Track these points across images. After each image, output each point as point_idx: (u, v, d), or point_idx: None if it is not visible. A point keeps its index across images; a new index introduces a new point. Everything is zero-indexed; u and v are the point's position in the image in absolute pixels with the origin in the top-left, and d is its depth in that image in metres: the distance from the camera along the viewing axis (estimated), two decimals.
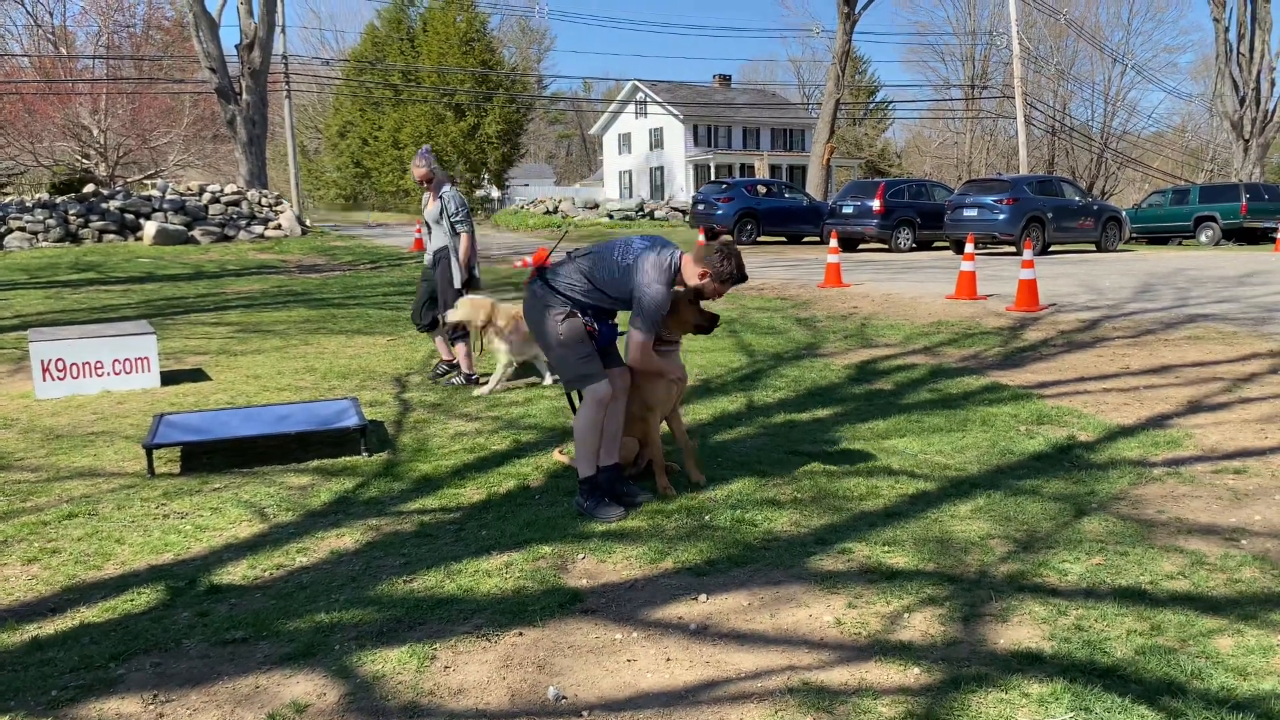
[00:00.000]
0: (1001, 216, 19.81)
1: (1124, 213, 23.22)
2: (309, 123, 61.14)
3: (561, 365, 4.49)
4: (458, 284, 7.22)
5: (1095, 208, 21.97)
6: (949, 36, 62.73)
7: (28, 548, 4.13)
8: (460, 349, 7.39)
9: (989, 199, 20.15)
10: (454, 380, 7.40)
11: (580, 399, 4.50)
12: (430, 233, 7.38)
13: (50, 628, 3.36)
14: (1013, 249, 20.17)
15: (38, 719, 2.75)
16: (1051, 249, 21.00)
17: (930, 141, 64.15)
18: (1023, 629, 3.22)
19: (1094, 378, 7.33)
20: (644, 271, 4.26)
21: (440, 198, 7.24)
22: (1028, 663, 2.98)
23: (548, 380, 7.27)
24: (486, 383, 7.15)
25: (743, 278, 4.43)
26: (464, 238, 7.23)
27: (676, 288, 4.41)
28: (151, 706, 2.82)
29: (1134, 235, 25.62)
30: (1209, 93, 49.68)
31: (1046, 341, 8.96)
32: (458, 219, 7.23)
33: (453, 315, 6.96)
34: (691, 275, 4.35)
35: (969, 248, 12.76)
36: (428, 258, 7.48)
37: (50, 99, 36.14)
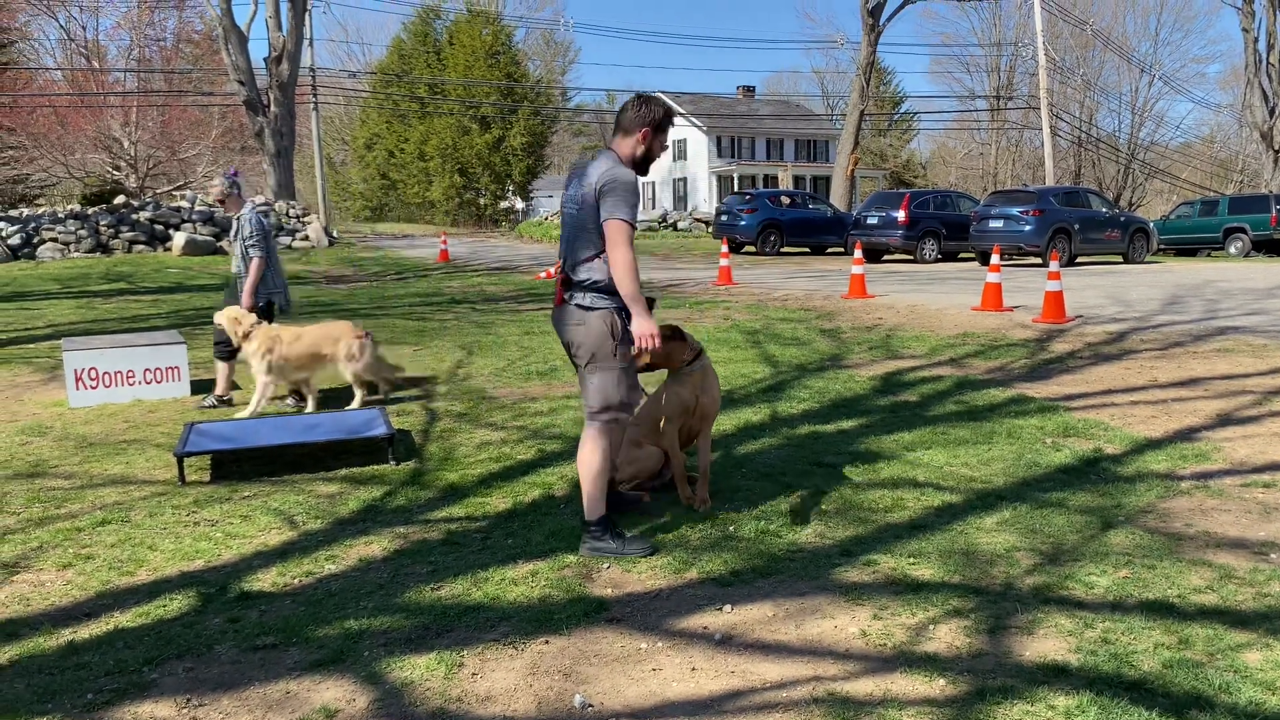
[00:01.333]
0: (1028, 228, 19.72)
1: (1151, 224, 23.06)
2: (336, 135, 61.71)
3: (605, 388, 4.02)
4: (245, 308, 6.94)
5: (1122, 219, 21.83)
6: (974, 47, 62.48)
7: (63, 554, 4.20)
8: (223, 368, 7.22)
9: (1015, 210, 20.06)
10: (204, 403, 7.21)
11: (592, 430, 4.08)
12: (232, 254, 7.28)
13: (85, 632, 3.42)
14: (1039, 260, 20.06)
15: None
16: (1078, 260, 20.87)
17: (955, 152, 63.94)
18: (1048, 641, 3.21)
19: (1121, 390, 7.28)
20: (601, 167, 3.94)
21: (237, 219, 7.06)
22: (1053, 675, 2.97)
23: (310, 406, 6.95)
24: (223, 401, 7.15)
25: (669, 116, 4.10)
26: (254, 262, 6.96)
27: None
28: (184, 710, 2.87)
29: (1162, 247, 25.45)
30: (1238, 103, 49.22)
31: (1073, 354, 8.91)
32: (250, 242, 6.97)
33: (217, 316, 6.92)
34: (629, 148, 4.03)
35: (995, 259, 12.72)
36: (231, 281, 7.38)
37: (82, 112, 36.74)
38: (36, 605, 3.67)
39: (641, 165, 4.09)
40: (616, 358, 4.00)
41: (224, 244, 7.16)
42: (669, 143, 4.20)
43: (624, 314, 3.98)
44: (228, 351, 7.09)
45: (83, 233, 22.72)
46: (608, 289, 3.95)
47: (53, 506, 4.87)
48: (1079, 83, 53.78)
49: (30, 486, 5.23)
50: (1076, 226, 20.21)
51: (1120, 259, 21.81)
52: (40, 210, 25.06)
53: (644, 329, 3.88)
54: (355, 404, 6.91)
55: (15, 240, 21.87)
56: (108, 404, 7.24)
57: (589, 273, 3.96)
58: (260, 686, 2.99)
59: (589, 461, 4.07)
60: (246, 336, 6.73)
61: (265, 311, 7.15)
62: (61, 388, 7.61)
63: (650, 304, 4.00)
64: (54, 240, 22.40)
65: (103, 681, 3.04)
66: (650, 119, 4.02)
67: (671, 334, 4.51)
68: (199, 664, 3.16)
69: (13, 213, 24.67)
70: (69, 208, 25.44)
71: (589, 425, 4.11)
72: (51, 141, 36.36)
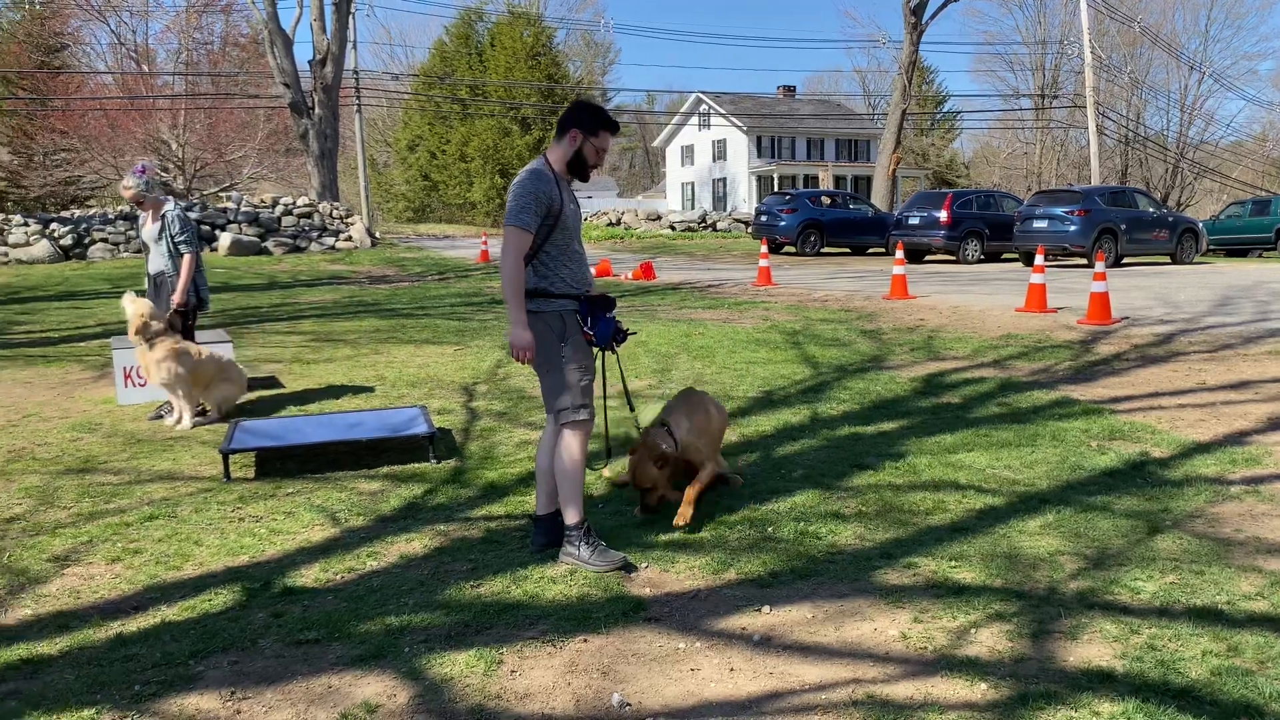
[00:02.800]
0: (1073, 228, 19.45)
1: (1200, 224, 22.62)
2: (378, 137, 62.32)
3: (555, 388, 3.99)
4: (177, 304, 6.83)
5: (1170, 219, 21.45)
6: (1018, 45, 61.75)
7: (111, 548, 4.28)
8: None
9: (1060, 210, 19.79)
10: (163, 412, 6.90)
11: (557, 433, 4.04)
12: (149, 254, 7.04)
13: (133, 625, 3.48)
14: (1084, 261, 19.78)
15: (122, 712, 2.85)
16: (1124, 261, 20.55)
17: (999, 152, 63.20)
18: (1093, 647, 3.17)
19: (1169, 393, 7.16)
20: (518, 180, 3.90)
21: (163, 217, 6.86)
22: (1098, 681, 2.93)
23: (186, 423, 6.57)
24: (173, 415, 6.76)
25: (610, 122, 4.04)
26: (187, 258, 6.82)
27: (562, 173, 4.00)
28: (229, 703, 2.91)
29: (1211, 247, 24.96)
30: None
31: (1119, 355, 8.77)
32: (182, 239, 6.82)
33: (126, 303, 6.68)
34: (561, 154, 3.99)
35: (1039, 259, 12.56)
36: (147, 282, 7.16)
37: (132, 114, 37.42)
38: (86, 598, 3.75)
39: (575, 167, 4.03)
40: (562, 358, 3.96)
41: (142, 241, 6.81)
42: (607, 147, 4.10)
43: (573, 313, 4.00)
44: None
45: (132, 233, 23.12)
46: (538, 292, 3.92)
47: (102, 501, 4.97)
48: (1126, 81, 52.90)
49: (80, 482, 5.34)
50: (1123, 227, 19.89)
51: (1168, 260, 21.44)
52: (91, 211, 25.55)
53: (516, 341, 3.84)
54: (186, 423, 6.57)
55: (67, 240, 22.33)
56: (155, 401, 7.36)
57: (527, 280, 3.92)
58: (303, 681, 3.03)
59: (557, 463, 4.00)
60: (150, 341, 6.53)
61: (197, 306, 7.04)
62: (111, 385, 7.76)
63: (608, 303, 4.09)
64: (104, 241, 22.83)
65: (150, 673, 3.10)
66: (577, 121, 3.98)
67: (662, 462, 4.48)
68: (243, 658, 3.20)
69: (65, 214, 25.18)
70: (119, 209, 25.90)
71: (549, 424, 4.10)
72: (102, 144, 37.07)
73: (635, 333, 4.34)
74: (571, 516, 4.00)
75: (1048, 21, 58.43)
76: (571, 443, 3.99)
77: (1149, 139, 52.83)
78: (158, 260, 6.97)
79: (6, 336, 11.16)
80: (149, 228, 6.92)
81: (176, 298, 6.84)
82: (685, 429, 4.60)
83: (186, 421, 6.60)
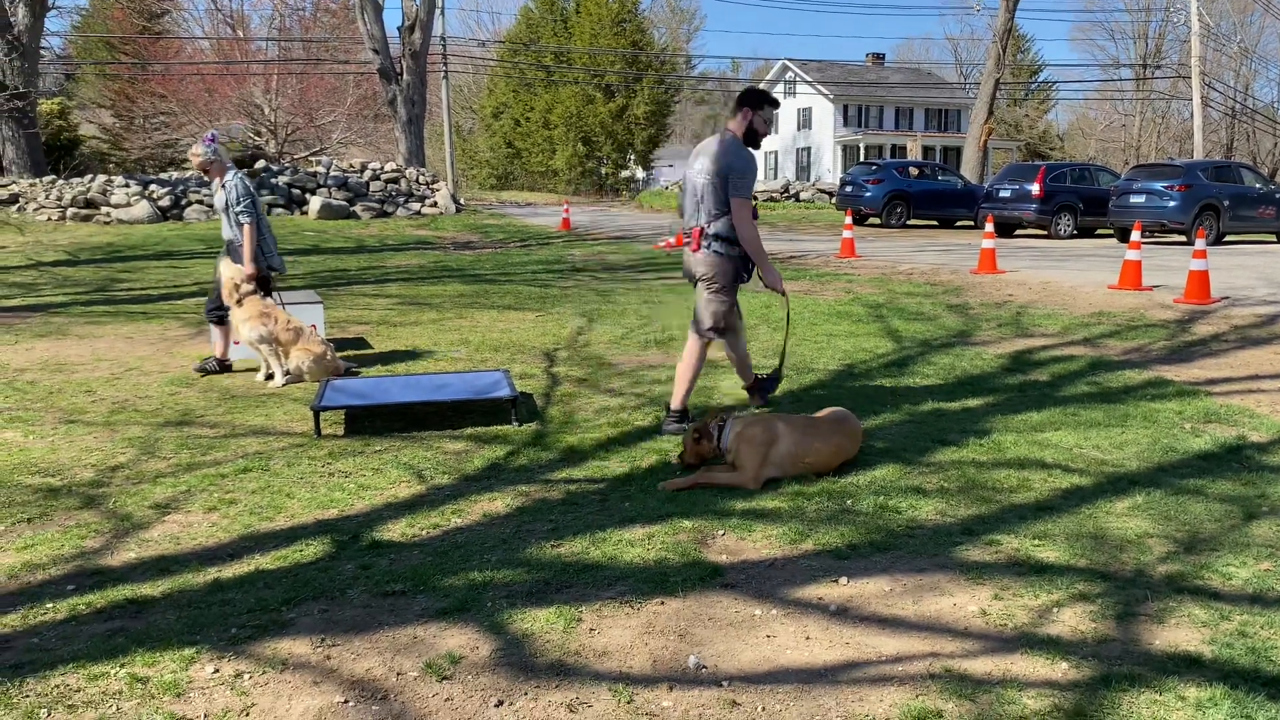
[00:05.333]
0: (1172, 204, 18.76)
1: None
2: (464, 103, 62.88)
3: (708, 311, 5.35)
4: (249, 275, 6.93)
5: (1278, 195, 20.53)
6: (1120, 13, 59.58)
7: (208, 498, 4.45)
8: (216, 332, 7.21)
9: (1159, 185, 19.09)
10: (207, 366, 7.18)
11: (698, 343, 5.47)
12: (222, 222, 7.21)
13: (229, 571, 3.63)
14: (1183, 238, 19.08)
15: (220, 653, 2.98)
16: (1226, 239, 19.77)
17: (1096, 124, 61.17)
18: (1180, 631, 3.10)
19: (1270, 376, 6.90)
20: (720, 148, 5.19)
21: (224, 186, 6.95)
22: (1185, 666, 2.87)
23: (278, 380, 6.82)
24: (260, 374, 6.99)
25: (771, 100, 5.35)
26: (247, 228, 6.92)
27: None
28: (320, 649, 3.02)
29: None
30: None
31: (1218, 336, 8.48)
32: (239, 209, 6.91)
33: (223, 267, 6.90)
34: (736, 127, 5.25)
35: (1135, 235, 12.17)
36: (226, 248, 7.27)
37: (227, 79, 38.39)
38: (185, 544, 3.91)
39: (749, 137, 5.26)
40: (730, 293, 5.35)
41: (214, 209, 6.90)
42: (772, 119, 5.35)
43: (746, 263, 5.34)
44: (221, 315, 7.13)
45: None
46: (732, 240, 5.24)
47: (199, 453, 5.17)
48: (1235, 50, 50.63)
49: (179, 434, 5.56)
50: (1226, 203, 19.13)
51: (1275, 238, 20.56)
52: (188, 174, 26.31)
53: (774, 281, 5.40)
54: (279, 380, 6.83)
55: (165, 202, 23.06)
56: (250, 358, 7.60)
57: (719, 227, 5.23)
58: (390, 630, 3.13)
59: (684, 364, 5.46)
60: (239, 302, 6.81)
61: (262, 280, 7.09)
62: (207, 342, 8.02)
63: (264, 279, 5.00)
64: (199, 202, 23.50)
65: (245, 618, 3.23)
66: (747, 101, 5.25)
67: (698, 435, 4.71)
68: (333, 606, 3.32)
69: (163, 175, 26.01)
70: None
71: (692, 338, 5.49)
72: (199, 108, 38.11)
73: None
74: (674, 404, 5.47)
75: None
76: (694, 349, 5.47)
77: (1258, 111, 50.55)
78: (227, 229, 7.13)
79: (110, 293, 11.61)
80: (219, 195, 7.05)
81: (246, 269, 6.94)
82: (738, 430, 4.61)
83: (278, 379, 6.81)
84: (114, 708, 2.68)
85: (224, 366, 7.23)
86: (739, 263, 5.31)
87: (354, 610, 3.29)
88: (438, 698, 2.75)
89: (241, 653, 2.99)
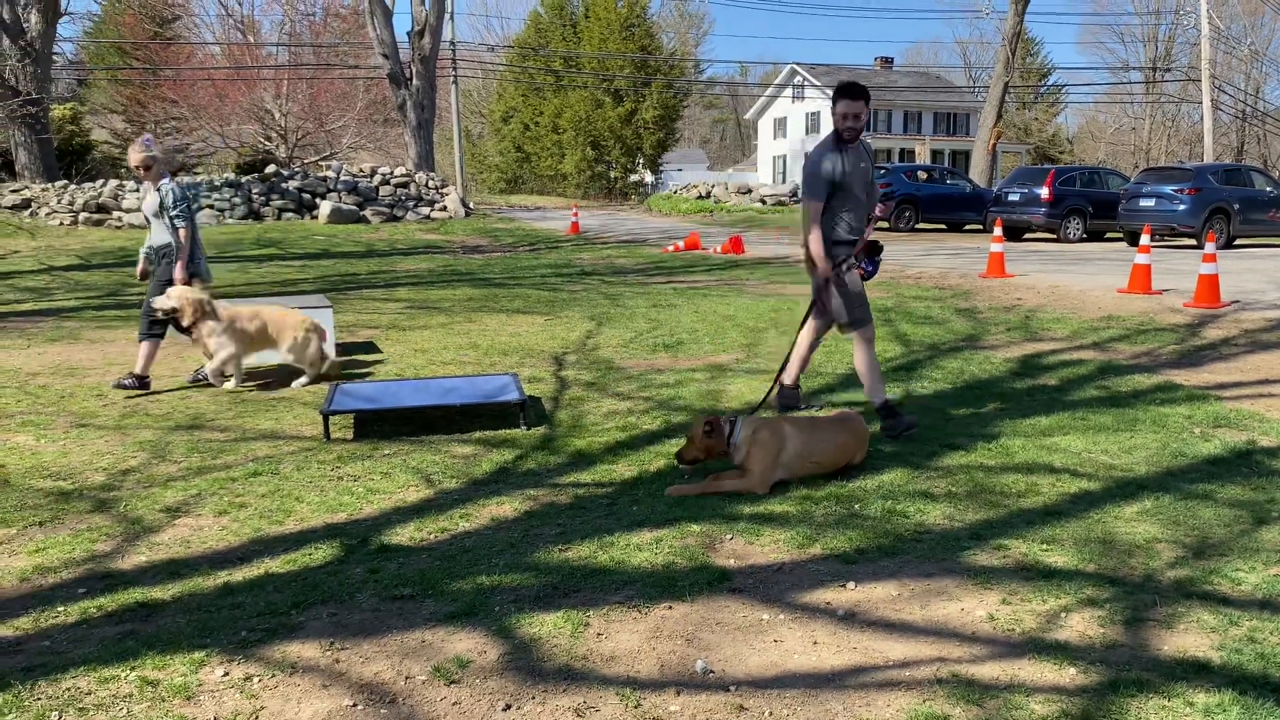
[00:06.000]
0: (1182, 207, 18.69)
1: None
2: (473, 108, 63.02)
3: (844, 309, 5.53)
4: (178, 280, 6.74)
5: None
6: (1129, 16, 59.38)
7: (218, 501, 4.48)
8: (145, 347, 6.82)
9: (1169, 188, 19.03)
10: (125, 382, 6.78)
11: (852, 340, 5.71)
12: (150, 227, 6.93)
13: (239, 575, 3.65)
14: (1193, 242, 19.01)
15: (230, 656, 3.00)
16: (1237, 243, 19.69)
17: (1105, 127, 60.99)
18: (1189, 637, 3.09)
19: None
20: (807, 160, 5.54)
21: (159, 190, 6.73)
22: (1193, 671, 2.86)
23: (303, 380, 6.96)
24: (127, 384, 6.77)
25: (841, 89, 5.35)
26: (184, 232, 6.73)
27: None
28: (329, 652, 3.04)
29: None
30: None
31: (1228, 340, 8.45)
32: (175, 213, 6.71)
33: (163, 302, 6.62)
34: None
35: (1145, 239, 12.13)
36: (145, 256, 7.02)
37: (238, 84, 38.52)
38: (195, 548, 3.94)
39: (836, 136, 5.40)
40: (839, 285, 5.53)
41: (144, 216, 7.00)
42: (847, 111, 5.33)
43: (859, 256, 5.51)
44: (158, 331, 6.85)
45: (236, 200, 23.89)
46: (831, 241, 5.50)
47: (210, 457, 5.19)
48: (1245, 53, 50.45)
49: (190, 438, 5.59)
50: (1236, 206, 19.05)
51: None
52: (198, 178, 26.45)
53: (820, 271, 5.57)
54: (303, 380, 6.99)
55: None
56: (259, 363, 7.63)
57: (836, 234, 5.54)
58: (399, 634, 3.15)
59: (859, 363, 5.64)
60: (204, 315, 6.68)
61: (193, 279, 6.89)
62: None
63: (874, 248, 5.54)
64: (210, 207, 23.61)
65: (255, 621, 3.25)
66: (833, 97, 5.42)
67: (710, 429, 4.62)
68: (342, 610, 3.34)
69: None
70: (224, 176, 26.78)
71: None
72: (210, 113, 38.27)
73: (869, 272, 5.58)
74: (879, 398, 5.63)
75: None
76: (855, 346, 5.70)
77: (1268, 114, 50.35)
78: (160, 234, 6.85)
79: (121, 298, 11.68)
80: (149, 200, 6.81)
81: (178, 274, 6.75)
82: (749, 433, 4.59)
83: (233, 383, 6.92)
84: (124, 710, 2.70)
85: (143, 384, 6.80)
86: (839, 263, 5.51)
87: (363, 614, 3.30)
88: (446, 701, 2.76)
89: (251, 656, 3.01)
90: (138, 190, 23.21)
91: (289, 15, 42.91)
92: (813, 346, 6.01)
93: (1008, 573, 3.61)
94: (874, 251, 5.59)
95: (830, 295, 5.55)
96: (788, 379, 5.94)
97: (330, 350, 7.36)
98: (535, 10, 57.33)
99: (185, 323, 6.67)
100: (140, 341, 6.84)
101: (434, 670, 2.91)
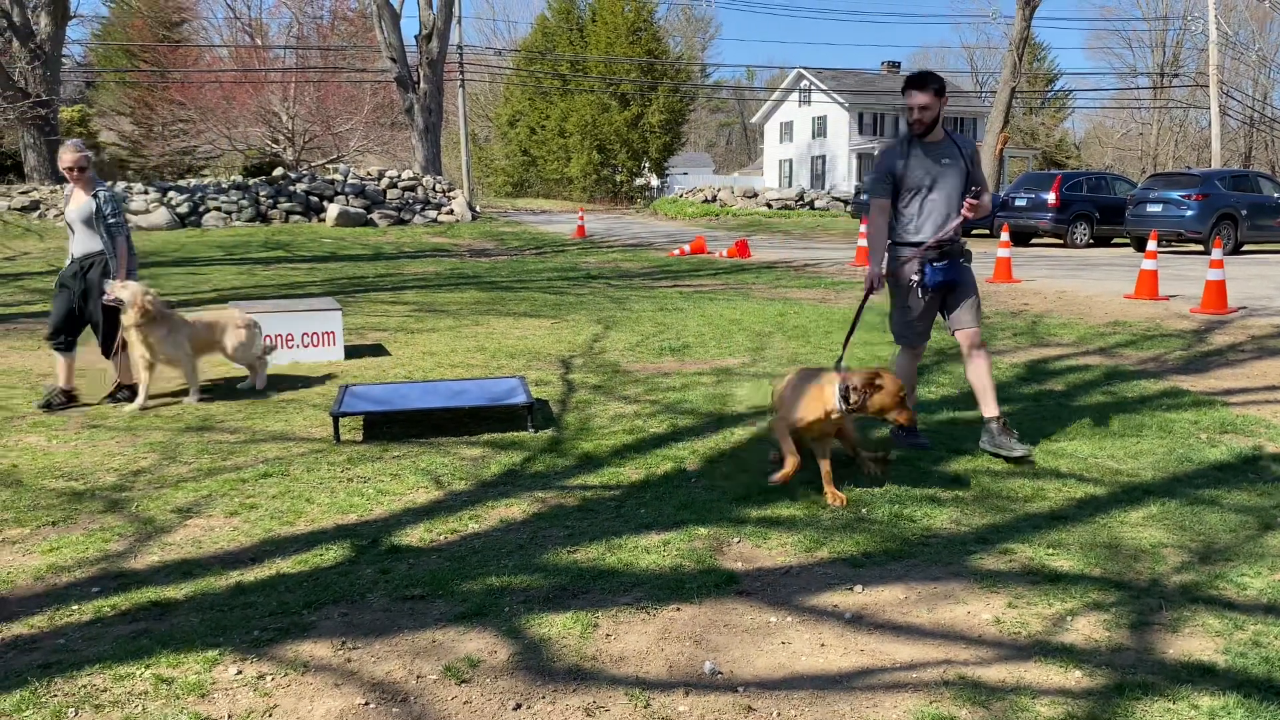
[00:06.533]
0: (1189, 213, 18.69)
1: None
2: (479, 111, 63.14)
3: (891, 321, 5.35)
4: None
5: None
6: (1137, 21, 59.36)
7: (229, 502, 4.51)
8: (62, 360, 6.53)
9: (1176, 194, 19.03)
10: (52, 401, 6.45)
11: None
12: (75, 234, 6.53)
13: (251, 575, 3.68)
14: (1200, 248, 19.00)
15: (243, 655, 3.03)
16: (1244, 249, 19.68)
17: (1112, 132, 60.93)
18: (1194, 640, 3.11)
19: None
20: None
21: (95, 196, 6.39)
22: (1199, 675, 2.88)
23: (192, 398, 6.60)
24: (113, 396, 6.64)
25: (908, 80, 5.02)
26: (121, 241, 6.46)
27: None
28: (341, 652, 3.07)
29: None
30: None
31: (1235, 346, 8.46)
32: (113, 222, 6.43)
33: (115, 288, 6.28)
34: None
35: (1152, 245, 12.14)
36: (69, 264, 6.59)
37: (245, 87, 38.71)
38: (207, 548, 3.97)
39: (909, 127, 5.07)
40: (900, 298, 5.27)
41: (67, 222, 6.58)
42: (913, 103, 4.95)
43: (922, 263, 5.03)
44: (70, 342, 6.55)
45: (244, 202, 23.99)
46: (897, 242, 5.16)
47: (219, 458, 5.23)
48: (1253, 59, 50.40)
49: (200, 439, 5.63)
50: (1244, 212, 19.05)
51: None
52: (206, 181, 26.56)
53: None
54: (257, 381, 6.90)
55: (184, 208, 23.26)
56: (269, 365, 7.68)
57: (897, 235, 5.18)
58: (410, 634, 3.17)
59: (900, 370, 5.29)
60: (151, 319, 6.36)
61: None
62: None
63: (951, 253, 5.05)
64: (218, 209, 23.71)
65: (267, 620, 3.28)
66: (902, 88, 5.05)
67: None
68: (353, 610, 3.37)
69: (181, 182, 26.24)
70: (232, 178, 26.90)
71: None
72: (217, 115, 38.45)
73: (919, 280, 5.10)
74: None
75: None
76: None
77: (1276, 120, 50.26)
78: (86, 241, 6.49)
79: None
80: (77, 205, 6.45)
81: (119, 280, 6.40)
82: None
83: (193, 396, 6.63)
84: (140, 707, 2.73)
85: (69, 397, 6.54)
86: (899, 265, 5.13)
87: (374, 614, 3.34)
88: (457, 700, 2.78)
89: (264, 655, 3.04)
90: (146, 193, 23.29)
91: (297, 18, 43.10)
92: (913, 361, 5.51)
93: (1014, 576, 3.63)
94: (950, 256, 5.04)
95: (893, 309, 5.27)
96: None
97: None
98: (542, 14, 57.50)
99: (129, 322, 6.31)
100: (59, 355, 6.53)
101: (445, 670, 2.94)
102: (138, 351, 6.45)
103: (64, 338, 6.53)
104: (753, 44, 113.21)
